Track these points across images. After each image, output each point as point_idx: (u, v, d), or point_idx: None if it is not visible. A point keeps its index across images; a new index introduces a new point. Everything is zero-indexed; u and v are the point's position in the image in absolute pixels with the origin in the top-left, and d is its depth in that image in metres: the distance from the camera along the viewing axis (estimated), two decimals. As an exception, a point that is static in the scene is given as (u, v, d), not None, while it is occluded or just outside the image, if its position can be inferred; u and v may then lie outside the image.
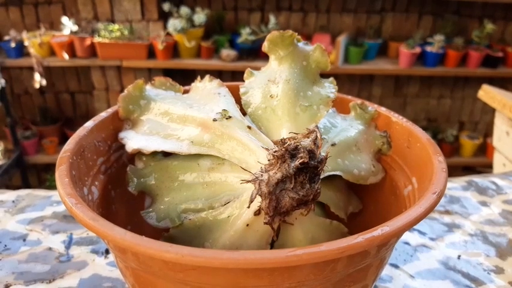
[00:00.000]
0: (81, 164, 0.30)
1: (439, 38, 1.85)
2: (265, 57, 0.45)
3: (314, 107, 0.32)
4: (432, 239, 0.46)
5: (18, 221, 0.46)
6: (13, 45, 1.75)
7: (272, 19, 1.75)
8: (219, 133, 0.29)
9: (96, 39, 1.74)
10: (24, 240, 0.44)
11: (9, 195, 0.51)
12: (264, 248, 0.26)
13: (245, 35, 1.77)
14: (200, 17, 1.71)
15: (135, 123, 0.34)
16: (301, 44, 0.34)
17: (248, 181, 0.24)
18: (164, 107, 0.33)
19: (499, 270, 0.42)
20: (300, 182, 0.24)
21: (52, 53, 1.82)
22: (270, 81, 0.33)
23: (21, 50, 1.79)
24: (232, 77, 1.96)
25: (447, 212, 0.51)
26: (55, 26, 1.85)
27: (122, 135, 0.33)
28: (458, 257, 0.43)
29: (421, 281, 0.40)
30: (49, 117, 1.98)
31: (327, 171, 0.31)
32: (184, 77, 1.88)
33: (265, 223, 0.24)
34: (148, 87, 0.35)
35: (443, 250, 0.44)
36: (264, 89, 0.33)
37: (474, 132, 2.18)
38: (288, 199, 0.23)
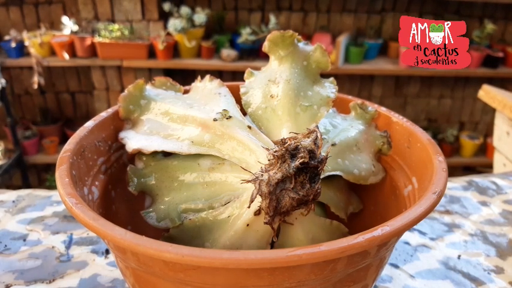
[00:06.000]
0: (82, 164, 0.30)
1: (439, 38, 1.84)
2: (265, 57, 0.45)
3: (314, 107, 0.32)
4: (432, 239, 0.46)
5: (18, 221, 0.46)
6: (13, 45, 1.75)
7: (272, 19, 1.75)
8: (219, 133, 0.29)
9: (97, 39, 1.74)
10: (25, 240, 0.44)
11: (9, 195, 0.51)
12: (264, 248, 0.26)
13: (245, 35, 1.77)
14: (200, 17, 1.71)
15: (135, 123, 0.34)
16: (301, 44, 0.34)
17: (248, 181, 0.24)
18: (164, 107, 0.33)
19: (499, 270, 0.42)
20: (300, 182, 0.24)
21: (52, 52, 1.82)
22: (271, 81, 0.33)
23: (21, 50, 1.79)
24: (232, 77, 1.96)
25: (447, 212, 0.51)
26: (55, 25, 1.85)
27: (122, 135, 0.33)
28: (459, 257, 0.43)
29: (421, 281, 0.40)
30: (49, 117, 1.98)
31: (327, 171, 0.31)
32: (184, 77, 1.88)
33: (266, 223, 0.24)
34: (148, 87, 0.35)
35: (443, 250, 0.44)
36: (264, 89, 0.33)
37: (474, 132, 2.17)
38: (288, 199, 0.23)
